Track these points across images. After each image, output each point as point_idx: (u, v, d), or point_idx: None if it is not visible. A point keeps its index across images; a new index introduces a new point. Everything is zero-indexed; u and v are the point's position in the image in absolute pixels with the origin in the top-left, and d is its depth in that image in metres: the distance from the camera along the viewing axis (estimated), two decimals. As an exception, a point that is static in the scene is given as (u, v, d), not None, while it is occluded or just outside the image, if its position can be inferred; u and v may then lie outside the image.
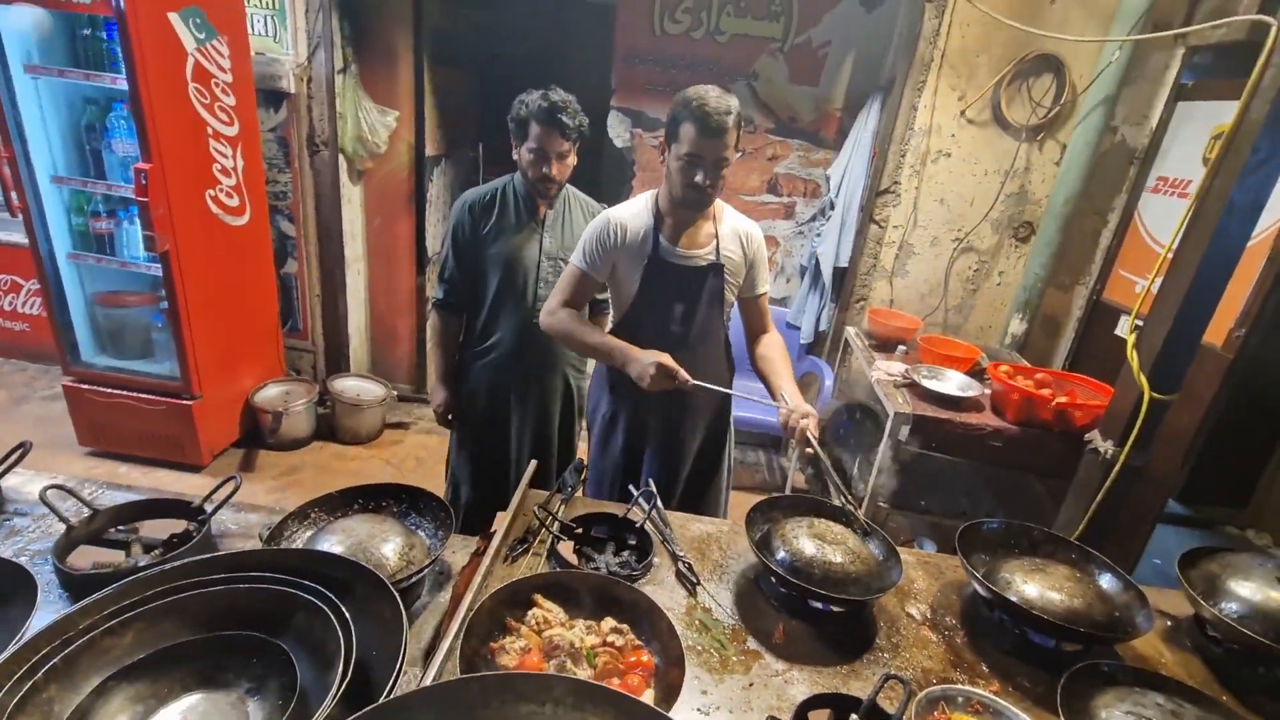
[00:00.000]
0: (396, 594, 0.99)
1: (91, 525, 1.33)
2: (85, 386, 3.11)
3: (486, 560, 1.31)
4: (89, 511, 1.33)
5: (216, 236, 3.11)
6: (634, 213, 1.89)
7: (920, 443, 2.61)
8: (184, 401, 3.11)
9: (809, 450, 1.68)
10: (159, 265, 2.86)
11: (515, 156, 2.18)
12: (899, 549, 1.63)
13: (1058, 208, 3.20)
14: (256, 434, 3.55)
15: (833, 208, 3.57)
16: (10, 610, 1.05)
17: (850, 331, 3.49)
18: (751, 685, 1.21)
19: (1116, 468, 2.08)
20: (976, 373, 2.93)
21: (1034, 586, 1.39)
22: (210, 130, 2.97)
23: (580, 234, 2.28)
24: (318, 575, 1.04)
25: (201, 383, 3.13)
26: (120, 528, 1.41)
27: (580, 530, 1.55)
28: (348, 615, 0.96)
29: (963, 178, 3.36)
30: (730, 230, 1.90)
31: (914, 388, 2.75)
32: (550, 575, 1.22)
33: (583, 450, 2.38)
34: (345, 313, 3.88)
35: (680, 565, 1.48)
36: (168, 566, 1.01)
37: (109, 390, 3.11)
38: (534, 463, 1.74)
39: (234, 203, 3.18)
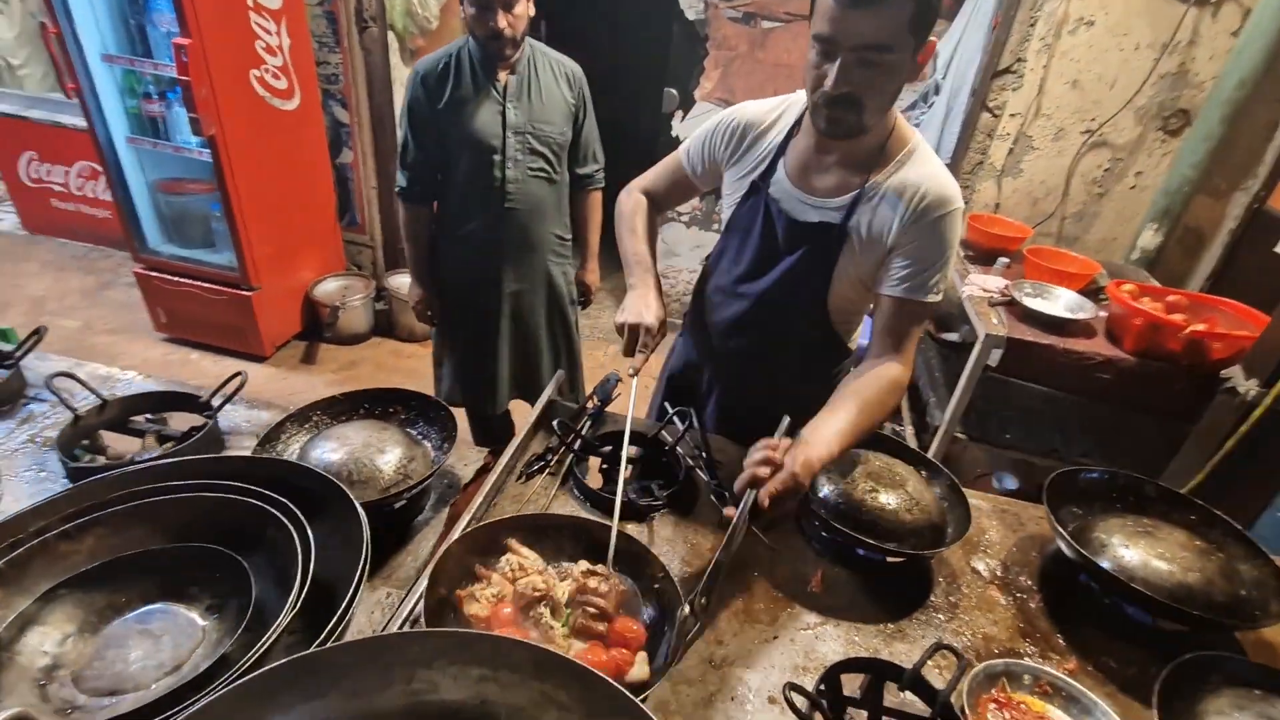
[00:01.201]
0: (363, 515, 0.88)
1: (102, 415, 1.30)
2: (154, 274, 3.19)
3: (492, 478, 1.19)
4: (98, 400, 1.29)
5: (265, 121, 3.00)
6: (769, 119, 1.32)
7: (1012, 369, 2.29)
8: (243, 293, 3.15)
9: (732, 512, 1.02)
10: (209, 151, 2.79)
11: (461, 14, 1.87)
12: (972, 491, 1.41)
13: (1226, 92, 2.59)
14: (317, 327, 3.60)
15: (937, 92, 3.07)
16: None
17: (942, 240, 3.07)
18: (776, 639, 1.06)
19: (1258, 411, 1.73)
20: (1091, 292, 2.51)
21: (1136, 552, 1.14)
22: (251, 2, 2.79)
23: (553, 101, 2.01)
24: (293, 487, 0.94)
25: (259, 274, 3.14)
26: (149, 417, 1.38)
27: (610, 450, 1.40)
28: (310, 536, 0.86)
29: (1106, 53, 2.76)
30: (898, 186, 1.17)
31: (1012, 307, 2.38)
32: (532, 518, 1.08)
33: (591, 351, 2.21)
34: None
35: (712, 495, 1.32)
36: (135, 468, 0.94)
37: (176, 279, 3.18)
38: (560, 373, 1.59)
39: (281, 84, 3.04)
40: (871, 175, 1.20)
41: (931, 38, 1.05)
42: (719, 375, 1.56)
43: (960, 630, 1.12)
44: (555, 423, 1.35)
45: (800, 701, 0.88)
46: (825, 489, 1.21)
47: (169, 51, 2.73)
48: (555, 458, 1.37)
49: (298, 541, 0.84)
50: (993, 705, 0.97)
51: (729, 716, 0.93)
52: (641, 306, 1.30)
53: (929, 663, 0.97)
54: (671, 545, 1.22)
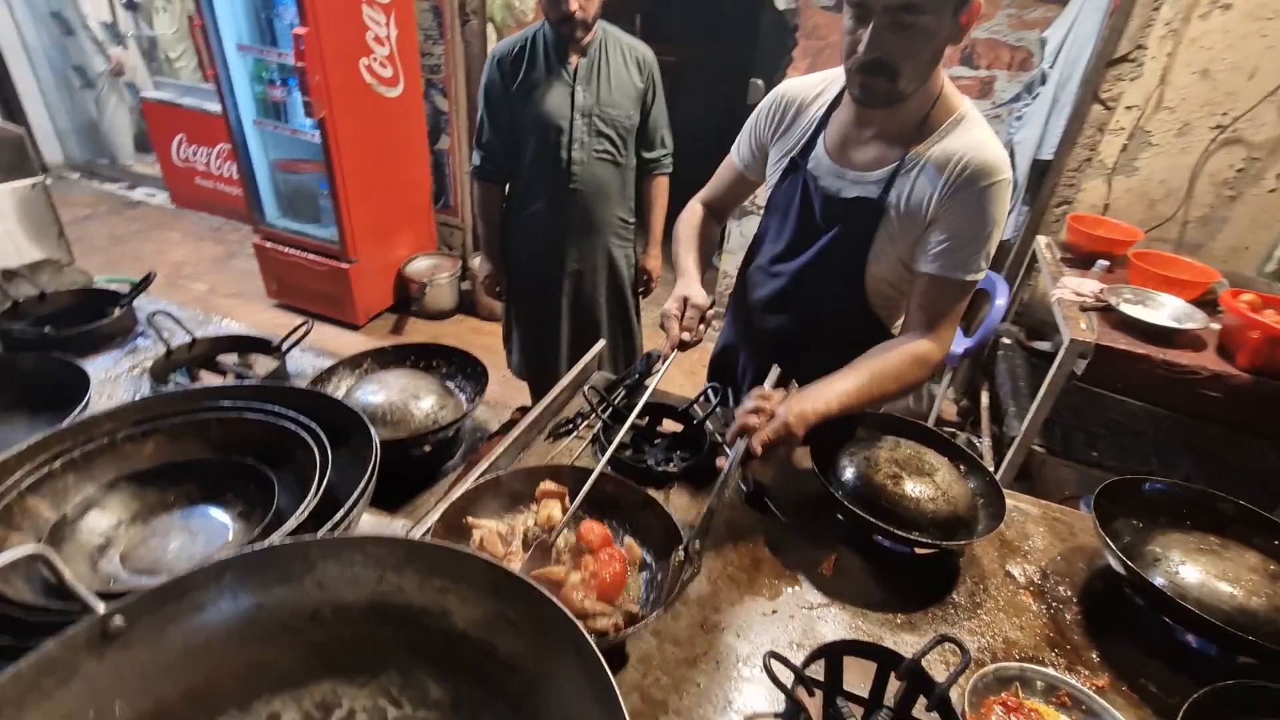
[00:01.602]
0: (375, 437, 0.94)
1: (191, 351, 1.46)
2: (269, 245, 3.53)
3: (514, 433, 1.24)
4: (188, 337, 1.45)
5: (371, 106, 3.24)
6: (812, 93, 1.29)
7: (1102, 380, 2.10)
8: (342, 265, 3.41)
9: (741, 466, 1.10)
10: (319, 133, 3.05)
11: None
12: (1020, 495, 1.32)
13: (1395, 80, 2.25)
14: (407, 302, 3.84)
15: (1044, 82, 2.84)
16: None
17: (1041, 243, 2.85)
18: (775, 613, 1.04)
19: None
20: (1207, 303, 2.25)
21: (1195, 570, 1.03)
22: (364, -4, 3.03)
23: (621, 84, 2.03)
24: (323, 418, 1.03)
25: (358, 248, 3.40)
26: (236, 360, 1.54)
27: (644, 421, 1.42)
28: (330, 457, 0.94)
29: (1244, 39, 2.47)
30: (940, 157, 1.11)
31: (1108, 313, 2.18)
32: (548, 468, 1.11)
33: (650, 338, 2.23)
34: (490, 191, 3.96)
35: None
36: (195, 388, 1.06)
37: (287, 249, 3.50)
38: (601, 342, 1.62)
39: (387, 73, 3.27)
40: (912, 147, 1.14)
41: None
42: (755, 356, 1.54)
43: (979, 630, 1.05)
44: (586, 388, 1.39)
45: (784, 674, 0.86)
46: (847, 471, 1.17)
47: (291, 41, 3.01)
48: (585, 423, 1.41)
49: (318, 460, 0.92)
50: (999, 708, 0.91)
51: (709, 678, 0.93)
52: (686, 292, 1.31)
53: (939, 660, 0.92)
54: (684, 514, 1.21)
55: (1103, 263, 2.46)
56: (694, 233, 1.49)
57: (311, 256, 3.47)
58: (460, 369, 1.41)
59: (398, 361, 1.40)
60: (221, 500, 0.97)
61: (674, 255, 1.48)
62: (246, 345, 1.50)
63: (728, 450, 1.23)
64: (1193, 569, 1.04)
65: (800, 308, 1.37)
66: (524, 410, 1.32)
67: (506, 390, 2.64)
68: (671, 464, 1.30)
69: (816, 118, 1.26)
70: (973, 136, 1.11)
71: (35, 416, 1.03)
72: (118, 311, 1.53)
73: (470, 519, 1.02)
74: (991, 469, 2.33)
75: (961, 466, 1.25)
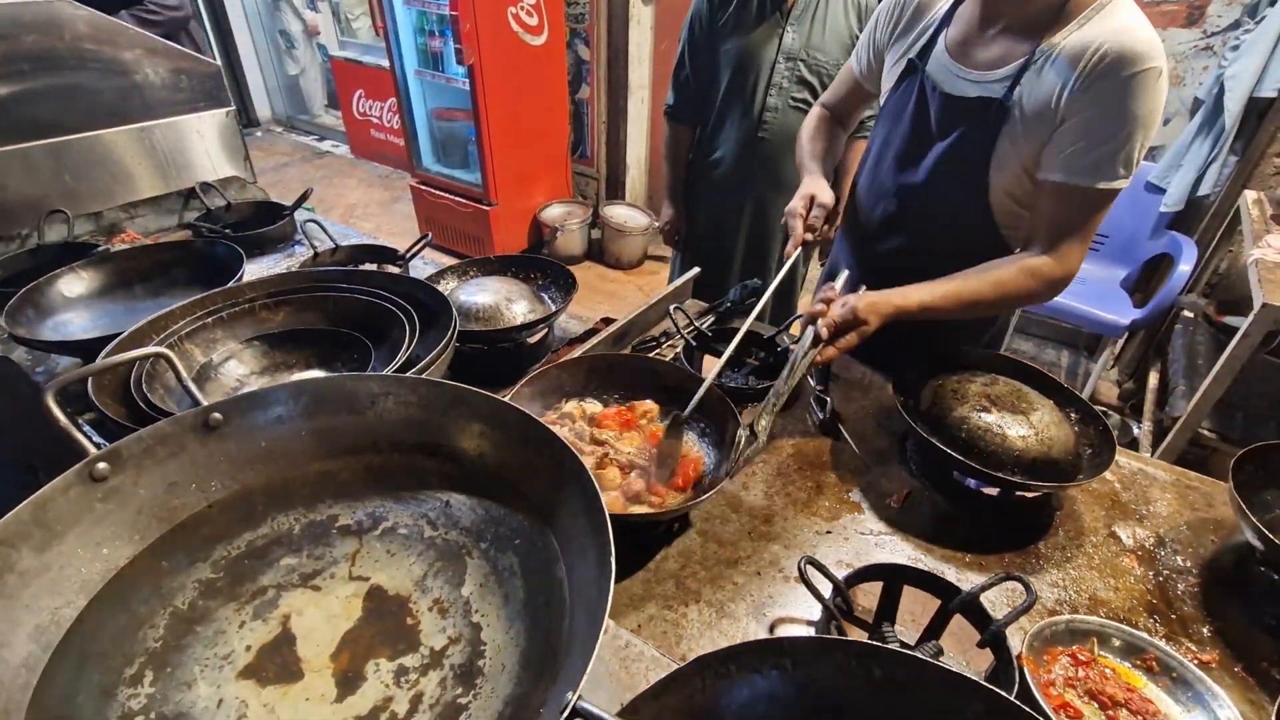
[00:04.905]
0: (454, 313, 1.03)
1: (334, 256, 1.66)
2: (424, 188, 3.86)
3: (593, 340, 1.29)
4: (332, 245, 1.65)
5: (516, 54, 3.40)
6: None
7: (1301, 356, 1.75)
8: (484, 208, 3.66)
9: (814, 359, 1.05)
10: (469, 82, 3.26)
11: None
12: (1148, 459, 1.17)
13: None
14: (541, 246, 4.04)
15: (1273, 3, 2.35)
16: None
17: (1249, 198, 2.40)
18: (829, 533, 1.01)
19: None
20: None
21: (1362, 552, 0.85)
22: (513, -55, 3.16)
23: (836, 30, 1.84)
24: (421, 303, 1.14)
25: (498, 192, 3.62)
26: (377, 266, 1.73)
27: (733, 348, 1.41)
28: (418, 332, 1.04)
29: None
30: (1076, 47, 0.97)
31: (1323, 278, 1.81)
32: (608, 356, 1.15)
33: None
34: (625, 140, 4.02)
35: (813, 400, 1.27)
36: (319, 269, 1.21)
37: (438, 192, 3.81)
38: (696, 269, 1.61)
39: (534, 21, 3.41)
40: (1045, 38, 1.00)
41: None
42: (866, 284, 1.45)
43: (1061, 584, 0.95)
44: (671, 308, 1.40)
45: (823, 586, 0.84)
46: (931, 399, 1.09)
47: (448, -7, 3.22)
48: (669, 342, 1.43)
49: (408, 333, 1.03)
50: (1066, 658, 0.83)
51: (748, 579, 0.93)
52: (813, 189, 1.28)
53: (1005, 605, 0.85)
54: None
55: (1327, 219, 2.02)
56: (814, 132, 1.43)
57: (458, 199, 3.75)
58: (554, 281, 1.48)
59: (500, 270, 1.50)
60: (331, 365, 1.11)
61: (797, 157, 1.43)
62: (379, 254, 1.68)
63: (826, 405, 1.20)
64: (1356, 549, 0.86)
65: (916, 228, 1.26)
66: (608, 321, 1.36)
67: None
68: (748, 385, 1.28)
69: (940, 14, 1.15)
70: (1117, 22, 0.95)
71: (208, 287, 1.24)
72: (281, 221, 1.78)
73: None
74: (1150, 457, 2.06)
75: (1073, 414, 1.12)
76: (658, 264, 4.09)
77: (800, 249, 1.24)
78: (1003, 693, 0.51)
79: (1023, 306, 1.47)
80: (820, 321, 1.02)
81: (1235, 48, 2.47)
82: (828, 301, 1.04)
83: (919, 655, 0.54)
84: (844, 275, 1.10)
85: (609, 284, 3.93)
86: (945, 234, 1.21)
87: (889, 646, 0.61)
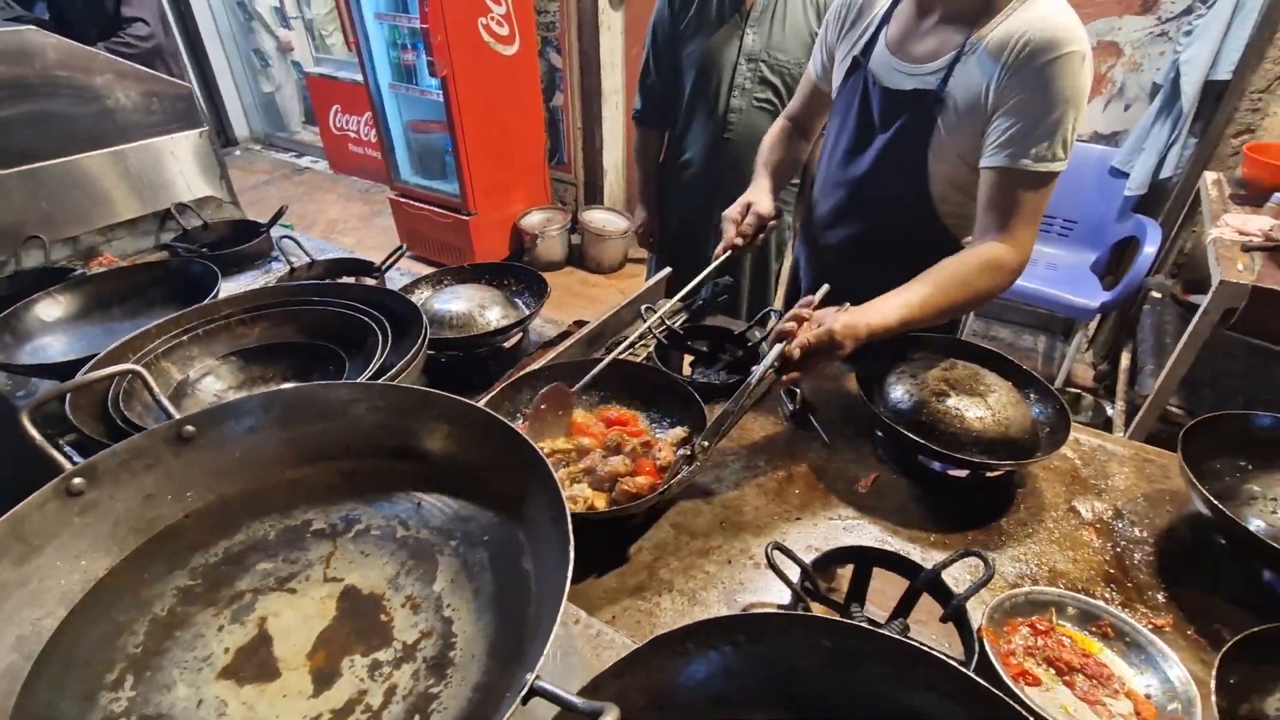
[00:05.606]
0: (425, 321, 1.06)
1: (310, 271, 1.68)
2: (403, 200, 3.87)
3: (566, 343, 1.32)
4: (309, 259, 1.67)
5: (488, 65, 3.43)
6: None
7: (1260, 330, 1.81)
8: (463, 217, 3.68)
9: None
10: (443, 93, 3.29)
11: None
12: (1104, 434, 1.20)
13: None
14: (521, 253, 4.06)
15: (1222, -11, 2.41)
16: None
17: (1208, 179, 2.46)
18: (799, 520, 1.04)
19: None
20: None
21: (1300, 513, 0.89)
22: (482, -44, 3.19)
23: (796, 29, 1.87)
24: (394, 313, 1.16)
25: (477, 202, 3.64)
26: (356, 279, 1.75)
27: (706, 346, 1.45)
28: (390, 340, 1.07)
29: None
30: (1001, 37, 1.02)
31: (1278, 254, 1.86)
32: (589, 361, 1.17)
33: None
34: (601, 145, 4.06)
35: (783, 393, 1.30)
36: (294, 284, 1.23)
37: (417, 204, 3.83)
38: (668, 270, 1.64)
39: (504, 31, 3.44)
40: (974, 31, 1.05)
41: None
42: (819, 277, 1.49)
43: (1022, 558, 0.98)
44: (643, 308, 1.43)
45: (791, 570, 0.87)
46: (893, 387, 1.13)
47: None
48: (641, 342, 1.46)
49: (381, 342, 1.05)
50: (1026, 629, 0.86)
51: (720, 568, 0.95)
52: (752, 198, 1.31)
53: (969, 579, 0.88)
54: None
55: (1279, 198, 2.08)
56: (774, 143, 1.46)
57: (438, 210, 3.77)
58: (528, 286, 1.51)
59: (475, 279, 1.52)
60: (307, 377, 1.13)
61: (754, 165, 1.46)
62: (355, 267, 1.70)
63: (795, 398, 1.21)
64: (1297, 511, 0.90)
65: (864, 218, 1.30)
66: (580, 323, 1.39)
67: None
68: (715, 380, 1.31)
69: (880, 13, 1.19)
70: (1036, 12, 1.00)
71: (185, 306, 1.26)
72: (257, 238, 1.79)
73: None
74: (1121, 436, 2.10)
75: (1032, 394, 1.16)
76: (638, 266, 4.13)
77: (729, 252, 1.29)
78: (945, 655, 0.54)
79: (991, 300, 1.51)
80: (793, 343, 0.97)
81: (1188, 33, 2.54)
82: (800, 320, 1.00)
83: (864, 625, 0.57)
84: (823, 290, 1.09)
85: (590, 288, 3.95)
86: (891, 223, 1.25)
87: (834, 618, 0.64)
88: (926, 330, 1.30)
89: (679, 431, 1.09)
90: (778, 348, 0.98)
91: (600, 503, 0.96)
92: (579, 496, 0.95)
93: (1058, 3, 1.00)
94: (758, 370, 0.98)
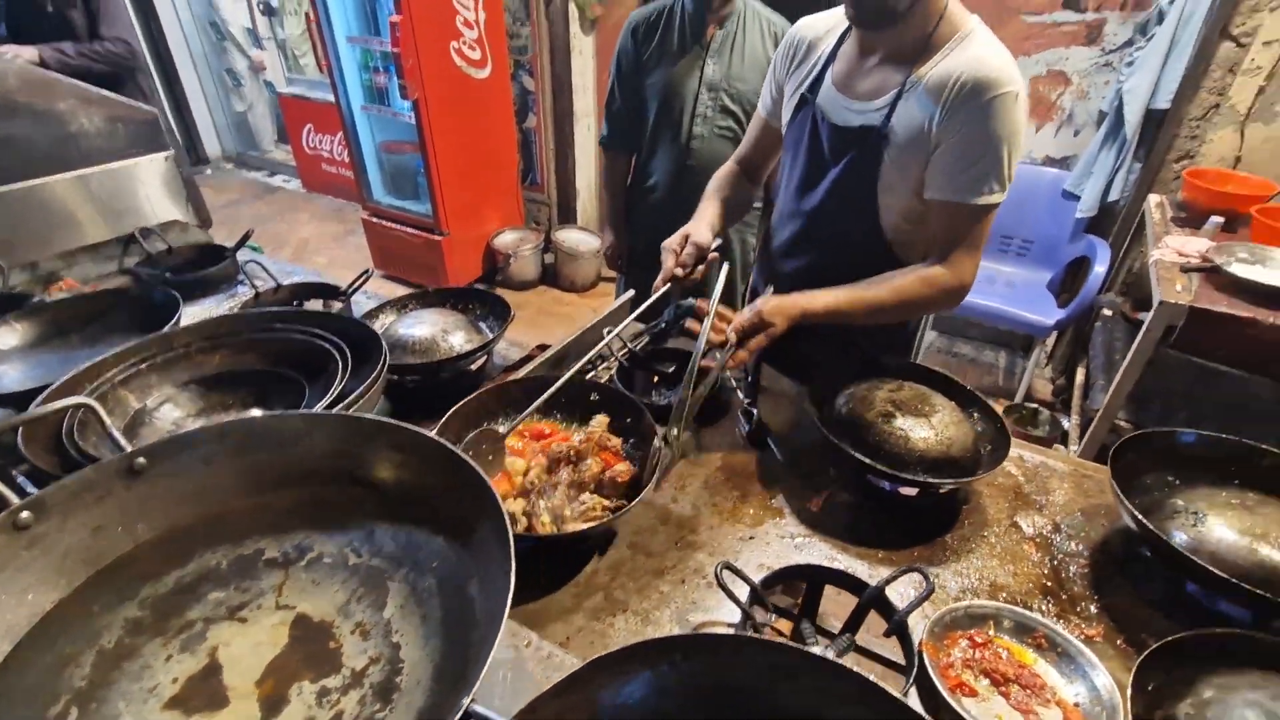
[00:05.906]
0: (385, 350, 1.08)
1: (275, 295, 1.68)
2: (375, 220, 3.88)
3: (529, 366, 1.34)
4: (275, 283, 1.67)
5: (461, 88, 3.47)
6: (823, 29, 1.28)
7: (1197, 348, 1.89)
8: (436, 237, 3.69)
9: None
10: (414, 115, 3.31)
11: None
12: (1046, 450, 1.26)
13: None
14: (495, 273, 4.08)
15: (1160, 21, 2.55)
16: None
17: (1152, 202, 2.57)
18: (752, 539, 1.07)
19: None
20: (1349, 264, 1.96)
21: (1220, 525, 0.95)
22: (453, -18, 3.24)
23: (755, 59, 1.93)
24: (353, 339, 1.18)
25: (449, 222, 3.66)
26: (324, 303, 1.75)
27: (671, 368, 1.48)
28: (350, 365, 1.08)
29: None
30: (940, 77, 1.07)
31: (1214, 275, 1.95)
32: (542, 379, 1.20)
33: None
34: (574, 166, 4.11)
35: (741, 413, 1.34)
36: (254, 312, 1.24)
37: (390, 224, 3.83)
38: (631, 292, 1.68)
39: (476, 55, 3.48)
40: (915, 70, 1.10)
41: None
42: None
43: (964, 573, 1.02)
44: (605, 330, 1.46)
45: (740, 590, 0.90)
46: (842, 407, 1.17)
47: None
48: (604, 364, 1.48)
49: (340, 368, 1.07)
50: (964, 642, 0.90)
51: (674, 588, 0.98)
52: (691, 230, 1.35)
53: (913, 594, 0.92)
54: (684, 445, 1.26)
55: (1216, 219, 2.19)
56: (719, 184, 1.51)
57: (410, 230, 3.78)
58: (492, 310, 1.53)
59: (439, 303, 1.54)
60: (267, 404, 1.14)
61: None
62: (321, 291, 1.71)
63: (753, 417, 1.27)
64: (1218, 523, 0.96)
65: (818, 248, 1.35)
66: (543, 347, 1.42)
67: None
68: (668, 400, 1.34)
69: (826, 52, 1.25)
70: (974, 52, 1.05)
71: (145, 332, 1.25)
72: (223, 262, 1.79)
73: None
74: (1075, 449, 2.16)
75: (975, 414, 1.21)
76: (612, 285, 4.16)
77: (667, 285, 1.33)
78: (866, 675, 0.57)
79: (925, 313, 1.57)
80: (729, 327, 1.12)
81: (1130, 64, 2.67)
82: (728, 321, 1.15)
83: (792, 644, 0.60)
84: (768, 292, 1.18)
85: (563, 307, 3.98)
86: (843, 253, 1.30)
87: (763, 637, 0.67)
88: (881, 351, 1.36)
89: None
90: (705, 334, 1.11)
91: (606, 503, 1.01)
92: (593, 503, 1.00)
93: (992, 44, 1.06)
94: (693, 356, 1.08)
